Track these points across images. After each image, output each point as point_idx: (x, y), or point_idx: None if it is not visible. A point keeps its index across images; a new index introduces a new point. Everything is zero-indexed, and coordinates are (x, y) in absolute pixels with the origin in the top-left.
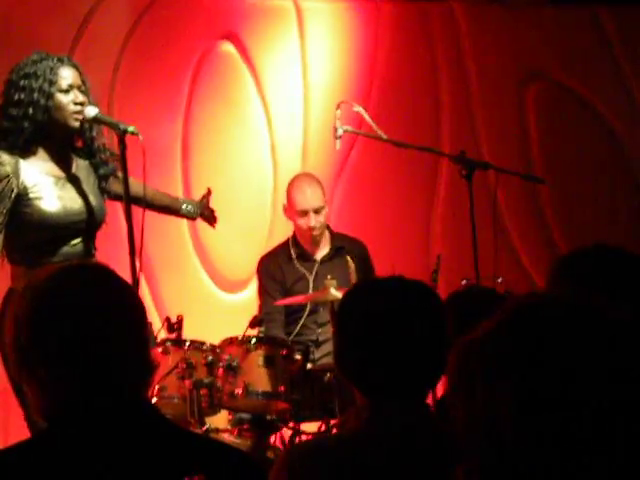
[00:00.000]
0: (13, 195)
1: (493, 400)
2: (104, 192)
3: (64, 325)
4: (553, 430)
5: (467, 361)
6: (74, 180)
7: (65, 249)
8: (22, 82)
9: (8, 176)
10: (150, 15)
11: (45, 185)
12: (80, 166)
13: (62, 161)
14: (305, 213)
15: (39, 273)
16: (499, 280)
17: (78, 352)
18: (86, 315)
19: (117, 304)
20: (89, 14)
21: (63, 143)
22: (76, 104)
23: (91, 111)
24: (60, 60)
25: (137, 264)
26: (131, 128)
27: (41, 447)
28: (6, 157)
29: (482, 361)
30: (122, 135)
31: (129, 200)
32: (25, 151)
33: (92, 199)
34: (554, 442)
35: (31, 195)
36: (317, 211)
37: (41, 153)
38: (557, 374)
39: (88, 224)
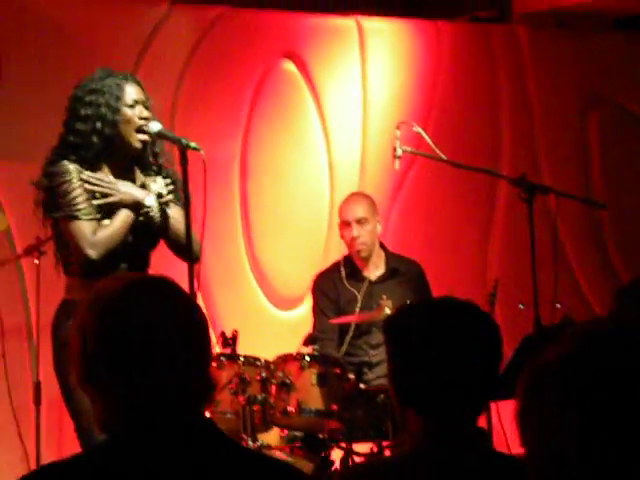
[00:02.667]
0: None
1: (559, 425)
2: (166, 208)
3: (130, 339)
4: (616, 458)
5: (536, 385)
6: None
7: (125, 262)
8: (88, 97)
9: (78, 180)
10: (213, 33)
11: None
12: (143, 181)
13: (125, 176)
14: (348, 224)
15: (105, 284)
16: (558, 305)
17: (142, 366)
18: (152, 329)
19: (183, 319)
20: (153, 32)
21: (127, 159)
22: (141, 119)
23: (154, 126)
24: (124, 77)
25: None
26: (193, 144)
27: (98, 460)
28: (73, 168)
29: (549, 386)
30: (184, 150)
31: (189, 215)
32: (93, 166)
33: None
34: (617, 470)
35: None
36: (360, 222)
37: (106, 169)
38: (621, 402)
39: (148, 239)
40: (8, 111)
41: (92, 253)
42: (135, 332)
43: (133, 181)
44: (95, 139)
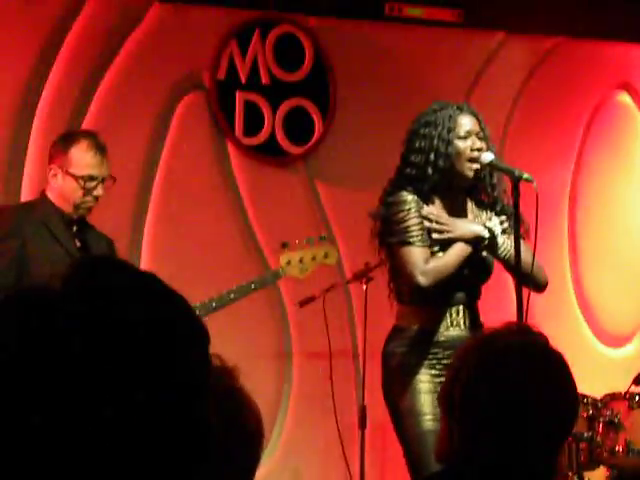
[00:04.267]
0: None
1: None
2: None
3: (503, 396)
4: None
5: None
6: None
7: (461, 293)
8: (423, 130)
9: (416, 211)
10: (548, 63)
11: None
12: (475, 215)
13: (458, 210)
14: None
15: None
16: None
17: (500, 420)
18: (528, 392)
19: (558, 396)
20: (487, 61)
21: (461, 192)
22: (473, 150)
23: (487, 157)
24: (459, 108)
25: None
26: (526, 175)
27: None
28: (411, 199)
29: None
30: (516, 182)
31: (519, 245)
32: (427, 198)
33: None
34: None
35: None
36: None
37: (438, 202)
38: None
39: (483, 271)
40: (343, 141)
41: (422, 280)
42: (510, 392)
43: (465, 214)
44: (430, 171)
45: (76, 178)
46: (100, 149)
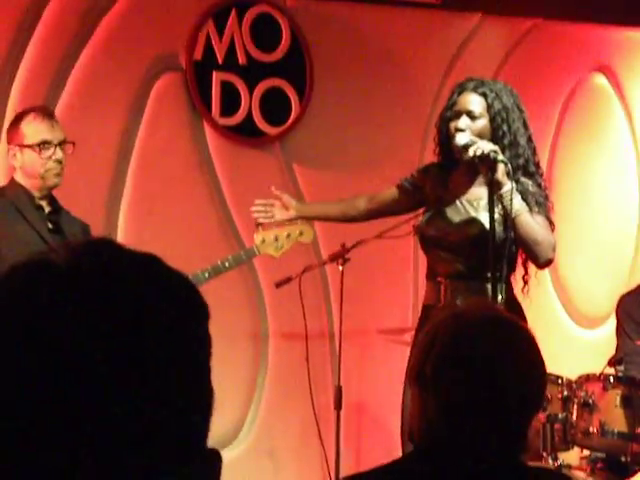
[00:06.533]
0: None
1: None
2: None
3: (471, 366)
4: None
5: None
6: (466, 203)
7: (447, 267)
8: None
9: (420, 179)
10: (524, 44)
11: (439, 203)
12: (479, 191)
13: (464, 184)
14: None
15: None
16: None
17: (469, 392)
18: (495, 365)
19: (529, 367)
20: (464, 43)
21: (470, 167)
22: (456, 130)
23: (460, 139)
24: (461, 86)
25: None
26: (500, 157)
27: (395, 475)
28: (431, 169)
29: None
30: (491, 163)
31: (493, 221)
32: (445, 172)
33: (472, 221)
34: None
35: (428, 210)
36: None
37: (456, 175)
38: None
39: (462, 245)
40: (320, 122)
41: None
42: (480, 367)
43: (469, 185)
44: (438, 149)
45: (32, 147)
46: (47, 115)
